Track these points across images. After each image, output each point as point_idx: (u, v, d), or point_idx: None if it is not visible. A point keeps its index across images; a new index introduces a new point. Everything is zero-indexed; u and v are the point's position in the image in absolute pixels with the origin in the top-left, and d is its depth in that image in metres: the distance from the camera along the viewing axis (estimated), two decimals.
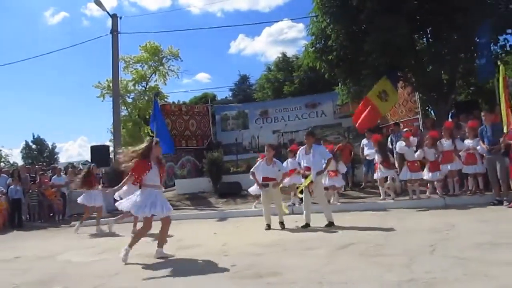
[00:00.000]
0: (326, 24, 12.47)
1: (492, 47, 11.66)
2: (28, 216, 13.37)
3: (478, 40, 11.30)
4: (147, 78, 29.01)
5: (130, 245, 5.97)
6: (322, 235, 6.94)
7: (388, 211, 9.39)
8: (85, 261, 6.36)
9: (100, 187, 10.90)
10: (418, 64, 12.42)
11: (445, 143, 9.93)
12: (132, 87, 28.67)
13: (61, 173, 14.64)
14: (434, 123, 11.98)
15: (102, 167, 16.60)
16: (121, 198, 7.34)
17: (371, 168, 11.85)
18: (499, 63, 10.96)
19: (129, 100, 28.65)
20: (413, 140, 10.45)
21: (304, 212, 7.99)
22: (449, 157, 9.84)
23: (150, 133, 22.98)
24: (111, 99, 19.23)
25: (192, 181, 15.65)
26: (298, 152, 8.44)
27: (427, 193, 10.34)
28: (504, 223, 6.76)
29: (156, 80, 29.10)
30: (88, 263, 6.22)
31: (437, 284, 3.76)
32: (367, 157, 11.77)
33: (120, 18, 17.52)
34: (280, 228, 7.98)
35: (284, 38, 65.76)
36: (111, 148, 18.33)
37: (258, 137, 18.46)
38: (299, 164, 8.41)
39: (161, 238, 6.21)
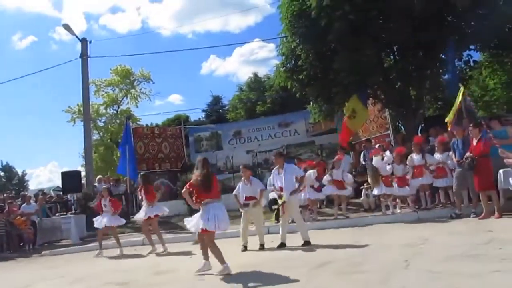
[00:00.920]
0: (295, 44, 12.64)
1: (456, 63, 12.09)
2: None
3: (443, 57, 11.70)
4: (119, 101, 28.89)
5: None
6: (300, 254, 6.93)
7: (363, 227, 9.44)
8: None
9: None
10: (387, 81, 12.72)
11: (415, 158, 10.09)
12: (104, 111, 28.50)
13: (31, 201, 14.27)
14: (405, 137, 12.20)
15: (74, 193, 16.30)
16: None
17: None
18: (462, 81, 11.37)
19: (101, 124, 28.46)
20: (389, 156, 10.57)
21: (280, 231, 7.98)
22: (420, 171, 10.00)
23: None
24: (82, 123, 18.99)
25: (167, 204, 15.42)
26: (272, 173, 8.52)
27: (397, 208, 10.44)
28: (475, 235, 6.88)
29: (128, 103, 29.06)
30: None
31: None
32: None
33: (90, 42, 17.46)
34: (258, 249, 7.93)
35: (255, 58, 66.45)
36: (83, 173, 18.02)
37: (232, 157, 18.37)
38: (273, 185, 8.44)
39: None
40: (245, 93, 33.82)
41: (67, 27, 16.91)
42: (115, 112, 28.77)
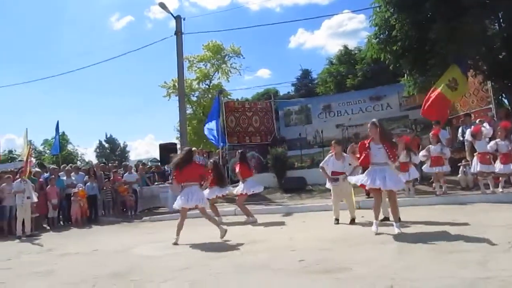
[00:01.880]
0: (389, 14, 12.16)
1: None
2: (103, 211, 14.10)
3: None
4: (210, 76, 29.62)
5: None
6: (391, 230, 6.77)
7: (460, 205, 9.01)
8: (157, 255, 6.62)
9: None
10: (490, 51, 11.79)
11: None
12: (196, 86, 29.40)
13: (132, 171, 15.31)
14: (509, 113, 11.34)
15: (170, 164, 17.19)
16: None
17: None
18: None
19: (194, 99, 29.41)
20: (488, 130, 9.91)
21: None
22: None
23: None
24: (176, 98, 19.78)
25: (257, 177, 15.78)
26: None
27: (500, 187, 9.79)
28: None
29: (219, 78, 29.68)
30: (160, 256, 6.47)
31: None
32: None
33: (184, 19, 17.97)
34: (349, 223, 7.91)
35: (344, 30, 64.65)
36: (178, 146, 18.89)
37: (322, 131, 18.27)
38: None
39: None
40: (335, 67, 33.10)
41: (162, 5, 17.52)
42: (207, 87, 29.59)
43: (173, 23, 18.13)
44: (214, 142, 17.58)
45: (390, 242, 5.78)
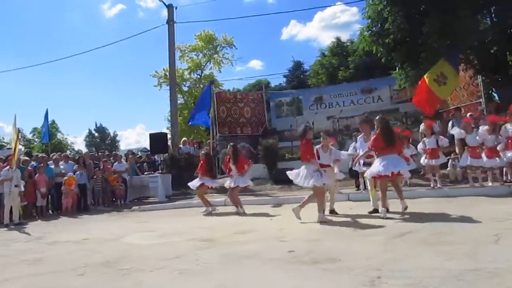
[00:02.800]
0: (382, 7, 12.15)
1: None
2: (92, 200, 14.03)
3: None
4: (202, 67, 29.55)
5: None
6: (380, 222, 6.82)
7: (448, 198, 9.08)
8: (147, 244, 6.63)
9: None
10: (481, 45, 11.83)
11: (511, 128, 9.44)
12: (188, 76, 29.34)
13: (122, 160, 15.24)
14: (499, 107, 11.41)
15: (160, 154, 17.16)
16: None
17: None
18: None
19: (185, 89, 29.34)
20: (482, 131, 9.91)
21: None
22: None
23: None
24: (168, 87, 19.71)
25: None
26: (358, 139, 8.37)
27: (489, 181, 9.87)
28: None
29: (211, 68, 29.63)
30: (150, 245, 6.48)
31: (502, 274, 3.61)
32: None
33: (176, 8, 17.85)
34: (329, 214, 7.92)
35: (337, 23, 64.34)
36: (169, 136, 18.84)
37: (313, 123, 18.29)
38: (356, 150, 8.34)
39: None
40: (327, 58, 33.09)
41: None
42: (198, 77, 29.54)
43: (165, 12, 18.04)
44: (203, 124, 17.42)
45: (378, 234, 5.80)
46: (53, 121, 35.62)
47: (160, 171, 16.27)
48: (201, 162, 10.65)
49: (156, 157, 18.05)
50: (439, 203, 8.43)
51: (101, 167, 14.17)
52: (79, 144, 52.29)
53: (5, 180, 10.73)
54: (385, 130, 7.46)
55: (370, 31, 13.14)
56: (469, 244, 4.77)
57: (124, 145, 59.79)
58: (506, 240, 4.83)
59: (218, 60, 29.37)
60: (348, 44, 32.22)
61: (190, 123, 16.93)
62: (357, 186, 10.93)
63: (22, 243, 7.83)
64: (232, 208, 9.97)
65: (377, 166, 7.32)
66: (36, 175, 12.48)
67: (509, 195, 8.85)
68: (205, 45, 28.98)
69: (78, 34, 76.38)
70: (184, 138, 18.47)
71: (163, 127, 31.91)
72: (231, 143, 10.58)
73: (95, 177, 13.64)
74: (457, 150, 10.98)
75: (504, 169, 9.77)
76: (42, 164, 12.96)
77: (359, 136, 8.41)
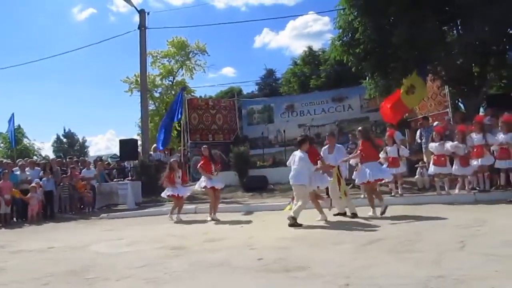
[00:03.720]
0: (353, 17, 12.34)
1: None
2: (59, 208, 13.67)
3: (511, 32, 11.03)
4: (174, 73, 29.36)
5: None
6: (350, 229, 6.88)
7: (416, 206, 9.23)
8: (114, 252, 6.49)
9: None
10: (448, 57, 12.15)
11: (476, 137, 9.70)
12: (160, 82, 29.09)
13: (91, 166, 14.94)
14: (464, 117, 11.72)
15: (130, 160, 16.90)
16: None
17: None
18: None
19: (156, 95, 29.07)
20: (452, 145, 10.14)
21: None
22: (480, 151, 9.62)
23: (177, 127, 23.30)
24: (139, 93, 19.48)
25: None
26: (322, 150, 8.56)
27: (457, 189, 10.10)
28: None
29: (183, 75, 29.44)
30: (117, 254, 6.34)
31: (467, 281, 3.68)
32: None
33: (148, 13, 17.70)
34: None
35: (309, 32, 65.20)
36: (139, 142, 18.60)
37: (284, 131, 18.38)
38: None
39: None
40: (299, 67, 33.34)
41: None
42: (170, 83, 29.32)
43: (137, 18, 17.85)
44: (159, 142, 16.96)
45: (348, 242, 5.84)
46: (19, 126, 34.58)
47: (130, 178, 16.01)
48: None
49: (126, 163, 17.76)
50: (407, 211, 8.55)
51: (69, 174, 13.83)
52: (47, 149, 51.03)
53: None
54: (372, 140, 8.52)
55: (341, 41, 13.30)
56: (435, 251, 4.84)
57: (93, 151, 58.85)
58: (471, 247, 4.94)
59: (190, 67, 29.21)
60: (320, 53, 32.55)
61: (161, 148, 16.57)
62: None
63: None
64: (203, 216, 9.89)
65: (365, 173, 8.09)
66: (1, 182, 12.09)
67: (475, 202, 9.08)
68: (178, 52, 28.80)
69: (46, 38, 75.12)
70: (154, 145, 18.24)
71: (134, 134, 31.52)
72: (204, 146, 10.56)
73: (62, 183, 13.31)
74: (425, 159, 11.19)
75: (469, 177, 10.01)
76: (6, 170, 12.58)
77: (324, 148, 8.61)
